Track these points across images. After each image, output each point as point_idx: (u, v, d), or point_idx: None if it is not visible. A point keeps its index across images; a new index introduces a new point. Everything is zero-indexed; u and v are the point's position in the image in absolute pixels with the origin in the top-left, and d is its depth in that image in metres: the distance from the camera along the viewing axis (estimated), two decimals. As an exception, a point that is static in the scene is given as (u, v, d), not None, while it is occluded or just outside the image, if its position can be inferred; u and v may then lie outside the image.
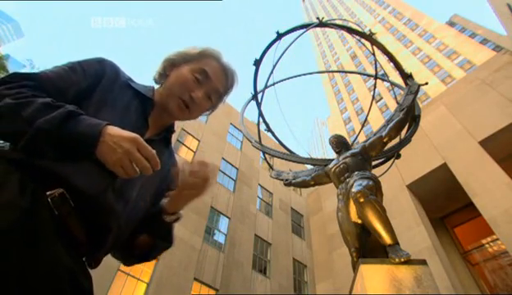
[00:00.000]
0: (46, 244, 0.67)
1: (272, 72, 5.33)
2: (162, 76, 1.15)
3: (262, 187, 17.96)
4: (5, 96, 0.74)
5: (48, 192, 0.71)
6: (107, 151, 0.74)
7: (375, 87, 6.38)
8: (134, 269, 9.90)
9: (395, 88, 5.99)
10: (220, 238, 13.67)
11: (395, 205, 10.28)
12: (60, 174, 0.74)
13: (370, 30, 4.70)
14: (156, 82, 1.18)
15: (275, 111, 7.43)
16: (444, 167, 10.28)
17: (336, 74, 65.07)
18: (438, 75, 46.11)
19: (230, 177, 16.29)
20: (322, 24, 4.93)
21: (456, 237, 11.41)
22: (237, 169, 17.04)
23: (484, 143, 9.70)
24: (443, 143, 10.67)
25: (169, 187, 1.14)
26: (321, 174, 4.46)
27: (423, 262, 2.86)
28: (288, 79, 6.69)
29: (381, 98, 50.30)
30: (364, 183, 3.40)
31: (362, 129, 7.65)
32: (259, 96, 5.55)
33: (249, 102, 5.76)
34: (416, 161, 10.54)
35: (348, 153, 4.10)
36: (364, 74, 14.05)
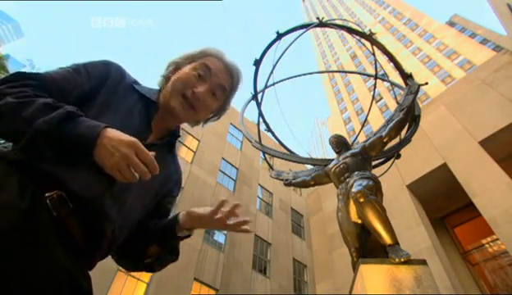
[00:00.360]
0: (45, 245, 0.67)
1: (271, 72, 5.32)
2: (167, 80, 1.12)
3: (262, 187, 17.96)
4: (7, 94, 0.73)
5: (46, 194, 0.71)
6: (104, 154, 0.73)
7: (375, 87, 6.38)
8: (134, 269, 9.91)
9: (395, 88, 5.98)
10: (220, 238, 13.67)
11: (395, 205, 10.27)
12: (58, 177, 0.73)
13: (370, 30, 4.68)
14: (161, 87, 1.15)
15: (275, 111, 7.42)
16: (444, 167, 10.27)
17: (336, 74, 65.06)
18: (438, 75, 46.12)
19: (230, 177, 16.30)
20: (322, 24, 4.92)
21: (456, 237, 11.41)
22: (237, 169, 17.05)
23: (484, 143, 9.70)
24: (443, 143, 10.66)
25: (170, 192, 1.13)
26: (321, 174, 4.46)
27: (423, 262, 2.85)
28: (288, 79, 6.68)
29: (381, 98, 50.31)
30: (364, 183, 3.39)
31: (362, 129, 7.64)
32: (259, 96, 5.54)
33: (249, 102, 5.74)
34: (416, 161, 10.53)
35: (348, 153, 4.10)
36: (364, 74, 14.04)
